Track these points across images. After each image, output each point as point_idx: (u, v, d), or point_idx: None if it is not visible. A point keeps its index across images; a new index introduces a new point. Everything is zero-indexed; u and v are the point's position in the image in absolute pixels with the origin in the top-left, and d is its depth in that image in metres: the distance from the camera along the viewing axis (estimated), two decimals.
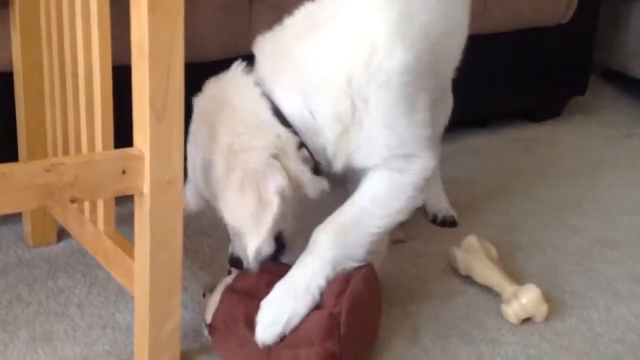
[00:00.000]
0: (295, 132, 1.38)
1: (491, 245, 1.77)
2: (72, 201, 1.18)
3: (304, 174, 1.38)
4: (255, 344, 1.34)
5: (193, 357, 1.41)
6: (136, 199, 1.26)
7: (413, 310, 1.61)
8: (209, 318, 1.41)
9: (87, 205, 1.47)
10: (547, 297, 1.63)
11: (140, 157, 1.21)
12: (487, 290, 1.67)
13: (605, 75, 3.42)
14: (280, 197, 1.32)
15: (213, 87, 1.43)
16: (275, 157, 1.34)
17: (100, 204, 1.42)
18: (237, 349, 1.36)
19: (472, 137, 2.68)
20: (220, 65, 1.45)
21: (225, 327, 1.38)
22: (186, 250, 1.79)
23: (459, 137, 2.57)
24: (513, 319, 1.58)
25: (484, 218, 2.07)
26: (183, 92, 1.21)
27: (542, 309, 1.58)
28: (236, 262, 1.46)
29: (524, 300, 1.58)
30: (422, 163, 1.42)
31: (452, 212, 2.00)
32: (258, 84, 1.39)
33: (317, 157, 1.41)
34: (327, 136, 1.39)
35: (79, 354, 1.40)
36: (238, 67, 1.42)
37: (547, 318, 1.59)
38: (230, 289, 1.42)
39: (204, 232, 1.91)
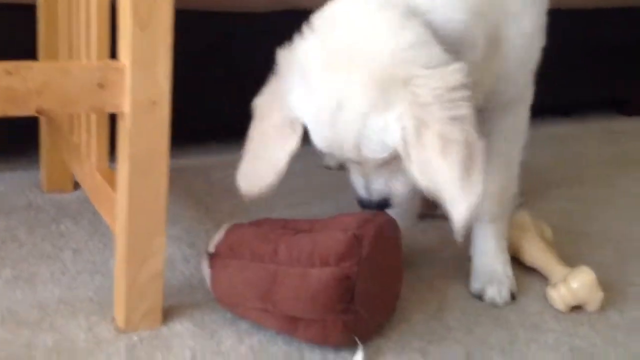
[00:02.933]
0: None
1: (547, 225, 1.54)
2: (39, 112, 1.05)
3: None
4: (260, 263, 1.18)
5: (182, 312, 1.26)
6: (118, 120, 1.12)
7: (440, 287, 1.41)
8: (211, 248, 1.26)
9: (84, 139, 1.35)
10: (607, 285, 1.38)
11: (121, 70, 1.08)
12: (536, 274, 1.45)
13: None
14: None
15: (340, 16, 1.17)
16: (463, 98, 1.10)
17: (93, 135, 1.29)
18: (238, 272, 1.21)
19: (552, 126, 2.43)
20: None
21: (230, 250, 1.23)
22: (206, 208, 1.68)
23: (536, 124, 2.32)
24: (560, 305, 1.35)
25: (553, 204, 1.83)
26: None
27: (596, 297, 1.34)
28: (367, 204, 1.25)
29: (575, 284, 1.34)
30: (531, 91, 1.39)
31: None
32: (415, 12, 1.15)
33: None
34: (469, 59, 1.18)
35: (57, 296, 1.27)
36: None
37: (602, 308, 1.35)
38: (237, 223, 1.28)
39: (230, 191, 1.76)
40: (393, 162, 1.17)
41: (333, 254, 1.13)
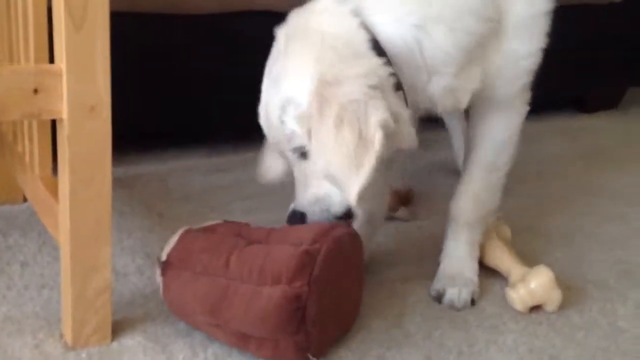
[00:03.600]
0: (393, 72, 1.18)
1: (505, 225, 1.52)
2: None
3: (403, 116, 1.18)
4: (211, 276, 1.15)
5: (133, 326, 1.22)
6: (57, 126, 1.08)
7: (402, 292, 1.38)
8: (164, 256, 1.22)
9: (27, 148, 1.30)
10: (566, 284, 1.37)
11: (57, 74, 1.04)
12: (495, 274, 1.43)
13: None
14: (384, 133, 1.11)
15: (298, 17, 1.23)
16: (375, 88, 1.14)
17: (35, 144, 1.25)
18: (188, 284, 1.17)
19: None
20: None
21: (180, 261, 1.20)
22: (163, 216, 1.64)
23: None
24: (519, 306, 1.33)
25: (511, 201, 1.80)
26: None
27: (554, 296, 1.32)
28: (298, 218, 1.23)
29: (533, 284, 1.32)
30: (529, 94, 1.37)
31: None
32: (357, 13, 1.20)
33: (410, 99, 1.23)
34: (440, 71, 1.22)
35: (2, 313, 1.23)
36: None
37: (562, 308, 1.33)
38: (189, 229, 1.24)
39: (187, 199, 1.74)
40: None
41: (284, 272, 1.09)
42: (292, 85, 1.17)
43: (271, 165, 1.33)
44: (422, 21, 1.19)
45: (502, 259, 1.42)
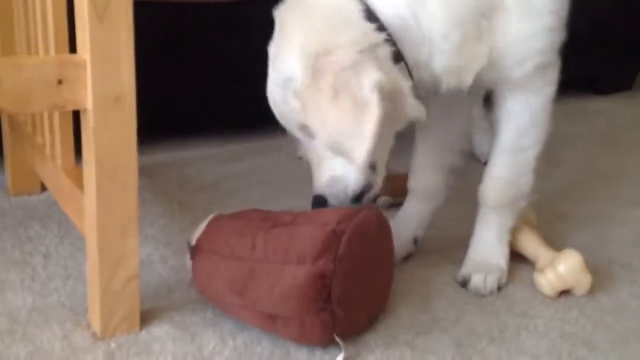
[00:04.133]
0: (393, 42, 1.16)
1: (531, 210, 1.50)
2: None
3: (404, 85, 1.16)
4: (238, 259, 1.14)
5: (161, 315, 1.21)
6: (82, 117, 1.07)
7: (427, 277, 1.37)
8: (193, 240, 1.22)
9: (48, 139, 1.29)
10: (593, 268, 1.35)
11: (81, 65, 1.02)
12: (521, 259, 1.41)
13: None
14: (380, 94, 1.10)
15: None
16: (365, 52, 1.12)
17: (57, 134, 1.23)
18: (216, 267, 1.17)
19: None
20: None
21: (208, 245, 1.19)
22: (181, 205, 1.63)
23: None
24: (548, 291, 1.31)
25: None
26: None
27: (583, 280, 1.31)
28: (321, 201, 1.23)
29: (562, 268, 1.31)
30: (555, 74, 1.32)
31: None
32: None
33: (415, 75, 1.21)
34: (439, 46, 1.19)
35: (29, 304, 1.22)
36: None
37: (591, 292, 1.32)
38: (218, 215, 1.24)
39: (203, 189, 1.73)
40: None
41: (309, 251, 1.09)
42: (286, 62, 1.16)
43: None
44: None
45: (529, 243, 1.41)
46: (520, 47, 1.25)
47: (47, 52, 1.18)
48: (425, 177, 1.45)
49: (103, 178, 1.06)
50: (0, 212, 1.52)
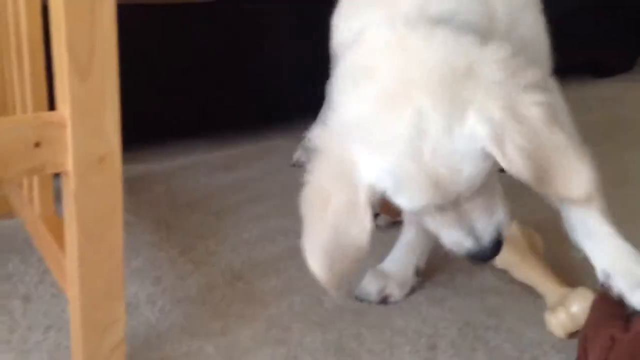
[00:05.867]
0: None
1: (536, 234, 1.43)
2: None
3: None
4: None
5: None
6: (62, 180, 0.97)
7: (428, 316, 1.30)
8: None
9: (25, 182, 1.19)
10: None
11: (61, 125, 0.92)
12: (529, 290, 1.34)
13: None
14: None
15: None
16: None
17: (35, 180, 1.13)
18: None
19: None
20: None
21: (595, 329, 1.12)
22: (169, 228, 1.53)
23: None
24: (559, 332, 1.25)
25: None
26: (115, 39, 0.90)
27: None
28: (482, 254, 1.07)
29: (575, 308, 1.24)
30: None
31: None
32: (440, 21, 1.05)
33: None
34: None
35: None
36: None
37: None
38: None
39: (193, 207, 1.63)
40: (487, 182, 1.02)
41: None
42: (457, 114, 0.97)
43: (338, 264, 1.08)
44: None
45: (536, 275, 1.34)
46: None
47: (24, 110, 1.07)
48: None
49: (86, 245, 0.97)
50: None
